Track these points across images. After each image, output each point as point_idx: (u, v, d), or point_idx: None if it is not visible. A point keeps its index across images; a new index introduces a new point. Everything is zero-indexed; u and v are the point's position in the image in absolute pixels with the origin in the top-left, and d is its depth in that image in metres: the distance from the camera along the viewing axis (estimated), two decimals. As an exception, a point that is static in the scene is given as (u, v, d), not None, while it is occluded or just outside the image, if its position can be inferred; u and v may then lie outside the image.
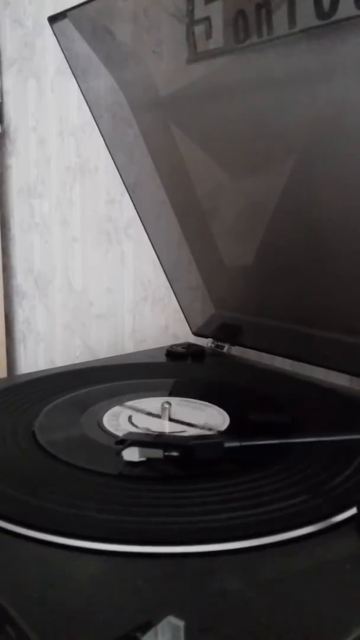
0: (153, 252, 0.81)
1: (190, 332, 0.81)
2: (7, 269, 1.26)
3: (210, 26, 0.58)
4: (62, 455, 0.43)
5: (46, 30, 1.03)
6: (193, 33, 0.60)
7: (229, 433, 0.48)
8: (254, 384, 0.61)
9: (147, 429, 0.48)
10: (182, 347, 0.74)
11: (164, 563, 0.31)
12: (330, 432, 0.46)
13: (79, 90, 0.77)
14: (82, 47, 0.72)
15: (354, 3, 0.47)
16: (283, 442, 0.44)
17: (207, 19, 0.58)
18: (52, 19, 0.71)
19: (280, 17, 0.52)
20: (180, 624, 0.25)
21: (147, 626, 0.25)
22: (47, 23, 0.73)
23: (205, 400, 0.55)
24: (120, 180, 0.80)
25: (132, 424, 0.49)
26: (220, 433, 0.48)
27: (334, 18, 0.48)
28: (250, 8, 0.54)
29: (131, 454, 0.41)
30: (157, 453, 0.41)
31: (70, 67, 0.75)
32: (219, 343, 0.76)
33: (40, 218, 1.16)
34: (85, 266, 1.06)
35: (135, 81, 0.71)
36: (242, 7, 0.54)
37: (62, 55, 0.75)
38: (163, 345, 0.76)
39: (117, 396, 0.56)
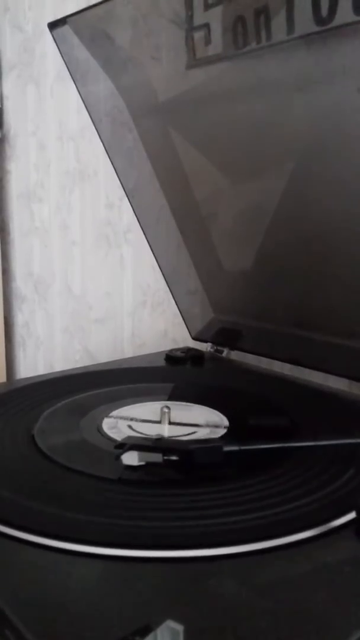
0: (152, 256, 0.81)
1: (189, 336, 0.81)
2: (6, 273, 1.26)
3: (210, 32, 0.58)
4: (62, 459, 0.43)
5: (46, 35, 1.03)
6: (192, 39, 0.60)
7: (228, 437, 0.48)
8: (253, 388, 0.61)
9: (147, 434, 0.48)
10: (181, 352, 0.74)
11: (163, 567, 0.31)
12: (329, 436, 0.46)
13: (79, 95, 0.78)
14: (82, 52, 0.72)
15: (352, 9, 0.47)
16: (282, 446, 0.44)
17: (206, 25, 0.58)
18: (52, 25, 0.71)
19: (278, 23, 0.52)
20: (180, 628, 0.25)
21: (146, 630, 0.25)
22: (46, 28, 0.73)
23: (204, 405, 0.55)
24: (120, 184, 0.80)
25: (132, 428, 0.49)
26: (220, 437, 0.48)
27: (332, 24, 0.49)
28: (249, 14, 0.54)
29: (130, 458, 0.41)
30: (157, 457, 0.41)
31: (69, 72, 0.76)
32: (218, 347, 0.76)
33: (39, 222, 1.16)
34: (85, 270, 1.06)
35: (135, 86, 0.72)
36: (241, 13, 0.54)
37: (61, 60, 0.76)
38: (162, 349, 0.77)
39: (117, 400, 0.56)
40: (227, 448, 0.42)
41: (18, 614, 0.27)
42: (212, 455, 0.42)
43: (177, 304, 0.81)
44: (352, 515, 0.35)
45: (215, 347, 0.76)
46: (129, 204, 0.80)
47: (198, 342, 0.79)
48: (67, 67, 0.75)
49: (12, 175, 1.22)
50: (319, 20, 0.49)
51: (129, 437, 0.45)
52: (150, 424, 0.50)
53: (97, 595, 0.29)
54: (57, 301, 1.14)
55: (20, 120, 1.16)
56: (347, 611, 0.28)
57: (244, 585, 0.29)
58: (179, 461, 0.41)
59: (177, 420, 0.51)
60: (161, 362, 0.72)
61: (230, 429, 0.49)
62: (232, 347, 0.75)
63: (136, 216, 0.79)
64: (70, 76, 0.76)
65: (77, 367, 0.72)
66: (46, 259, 1.16)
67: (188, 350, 0.74)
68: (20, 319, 1.26)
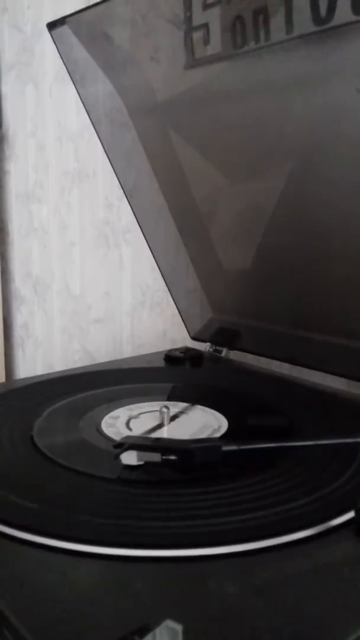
0: (151, 256, 0.81)
1: (188, 336, 0.81)
2: (5, 273, 1.26)
3: (208, 32, 0.58)
4: (61, 459, 0.43)
5: (45, 35, 1.03)
6: (191, 39, 0.60)
7: (227, 437, 0.48)
8: (252, 388, 0.61)
9: (146, 433, 0.48)
10: (180, 352, 0.74)
11: (162, 567, 0.31)
12: (328, 436, 0.46)
13: (77, 95, 0.78)
14: (81, 52, 0.72)
15: (350, 9, 0.47)
16: (281, 446, 0.44)
17: (205, 25, 0.58)
18: (51, 25, 0.71)
19: (277, 23, 0.52)
20: (178, 627, 0.25)
21: (145, 629, 0.25)
22: (45, 28, 0.73)
23: (203, 404, 0.55)
24: (119, 184, 0.80)
25: (130, 428, 0.49)
26: (219, 437, 0.48)
27: (330, 24, 0.49)
28: (248, 14, 0.54)
29: (129, 458, 0.41)
30: (155, 457, 0.41)
31: (68, 73, 0.76)
32: (217, 347, 0.76)
33: (38, 223, 1.16)
34: (84, 271, 1.06)
35: (133, 86, 0.72)
36: (240, 13, 0.55)
37: (60, 60, 0.76)
38: (161, 349, 0.77)
39: (116, 400, 0.56)
40: (225, 448, 0.42)
41: (17, 613, 0.27)
42: (211, 454, 0.42)
43: (176, 304, 0.81)
44: (351, 514, 0.35)
45: (214, 347, 0.76)
46: (128, 204, 0.80)
47: (197, 342, 0.79)
48: (66, 67, 0.75)
49: (10, 175, 1.22)
50: (317, 20, 0.49)
51: (128, 437, 0.45)
52: (149, 424, 0.50)
53: (95, 594, 0.29)
54: (56, 301, 1.14)
55: (19, 120, 1.16)
56: (345, 611, 0.28)
57: (243, 584, 0.29)
58: (177, 461, 0.41)
59: (176, 420, 0.51)
60: (160, 362, 0.72)
61: (229, 428, 0.49)
62: (231, 347, 0.75)
63: (135, 216, 0.79)
64: (69, 76, 0.76)
65: (76, 367, 0.72)
66: (45, 259, 1.16)
67: (187, 350, 0.74)
68: (19, 319, 1.26)
